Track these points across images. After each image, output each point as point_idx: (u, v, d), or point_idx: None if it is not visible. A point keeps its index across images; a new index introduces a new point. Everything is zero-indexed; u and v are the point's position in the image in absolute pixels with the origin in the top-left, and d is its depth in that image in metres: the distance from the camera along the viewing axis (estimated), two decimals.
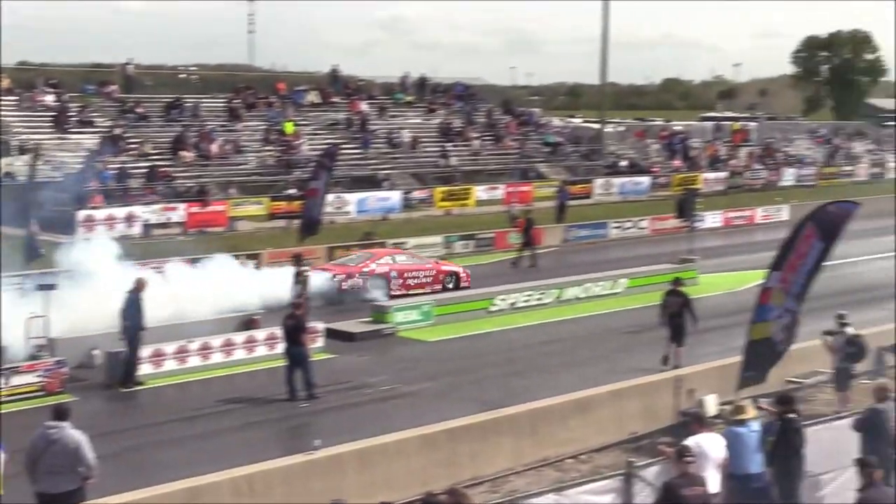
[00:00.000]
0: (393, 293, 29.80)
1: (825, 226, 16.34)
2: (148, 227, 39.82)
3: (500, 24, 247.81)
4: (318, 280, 28.27)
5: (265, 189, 46.02)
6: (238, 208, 43.37)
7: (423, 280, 30.94)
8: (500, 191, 52.28)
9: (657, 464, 12.70)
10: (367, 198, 47.78)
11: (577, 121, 77.63)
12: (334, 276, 29.43)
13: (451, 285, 31.28)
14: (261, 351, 22.98)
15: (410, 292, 30.16)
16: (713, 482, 12.73)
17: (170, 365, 21.84)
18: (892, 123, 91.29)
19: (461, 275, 31.87)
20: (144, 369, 21.33)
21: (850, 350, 19.56)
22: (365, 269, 30.14)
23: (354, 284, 29.65)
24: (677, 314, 22.93)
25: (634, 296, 30.49)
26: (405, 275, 30.68)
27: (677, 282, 23.91)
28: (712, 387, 18.87)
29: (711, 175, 61.92)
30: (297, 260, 26.65)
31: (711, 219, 46.65)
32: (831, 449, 14.28)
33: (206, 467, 14.79)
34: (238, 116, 51.96)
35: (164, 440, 18.20)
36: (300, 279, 25.98)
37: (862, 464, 12.01)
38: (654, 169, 61.56)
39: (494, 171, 55.93)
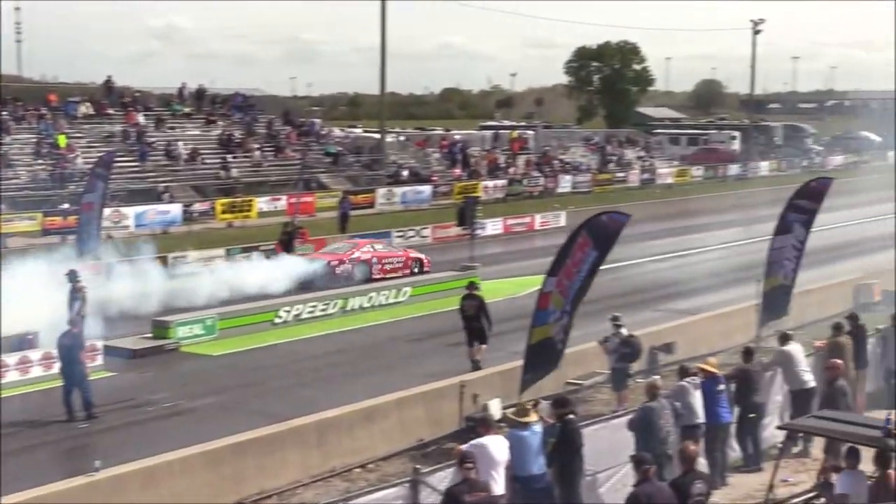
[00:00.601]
0: (374, 276, 33.52)
1: (599, 235, 16.86)
2: None
3: (278, 34, 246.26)
4: (314, 266, 32.00)
5: (38, 204, 44.42)
6: (8, 224, 41.63)
7: (396, 265, 34.76)
8: (282, 202, 51.97)
9: (444, 469, 12.88)
10: (145, 211, 46.76)
11: (357, 131, 77.89)
12: (329, 262, 32.95)
13: (416, 270, 34.96)
14: (36, 372, 22.15)
15: (388, 276, 33.78)
16: (499, 484, 13.00)
17: None
18: (661, 131, 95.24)
19: (424, 260, 35.57)
20: None
21: (625, 350, 20.25)
22: (353, 256, 33.93)
23: (345, 269, 33.25)
24: (475, 317, 23.41)
25: (418, 304, 30.87)
26: (383, 261, 34.56)
27: (472, 285, 24.45)
28: (496, 391, 19.21)
29: (491, 183, 63.09)
30: (73, 276, 25.80)
31: (492, 226, 47.51)
32: (609, 447, 14.79)
33: None
34: (6, 129, 50.02)
35: None
36: (76, 296, 25.17)
37: (637, 460, 12.44)
38: (435, 178, 62.38)
39: (276, 183, 55.64)
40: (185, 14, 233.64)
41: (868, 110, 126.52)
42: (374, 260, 34.24)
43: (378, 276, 33.62)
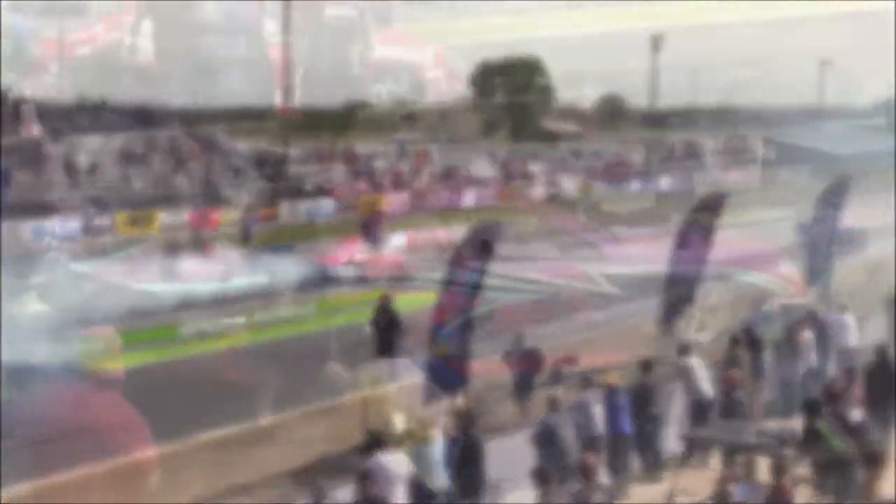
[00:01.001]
0: (367, 278, 35.25)
1: (479, 248, 17.04)
2: None
3: (182, 46, 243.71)
4: (311, 269, 33.98)
5: None
6: None
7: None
8: (185, 215, 51.33)
9: (346, 485, 12.83)
10: (43, 225, 45.84)
11: (262, 144, 77.20)
12: (325, 264, 35.29)
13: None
14: None
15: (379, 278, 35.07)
16: (399, 500, 12.98)
17: None
18: (565, 145, 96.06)
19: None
20: None
21: (528, 363, 20.38)
22: (347, 259, 36.61)
23: (341, 271, 35.58)
24: (386, 330, 23.33)
25: (323, 318, 30.66)
26: (378, 263, 36.48)
27: (385, 298, 24.33)
28: (400, 405, 19.19)
29: (395, 197, 63.04)
30: None
31: (397, 240, 47.42)
32: (512, 460, 14.84)
33: None
34: None
35: None
36: None
37: (539, 473, 12.52)
38: (340, 191, 62.15)
39: (179, 196, 54.95)
40: (83, 23, 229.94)
41: (765, 125, 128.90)
42: (367, 263, 36.66)
43: (371, 278, 35.41)
